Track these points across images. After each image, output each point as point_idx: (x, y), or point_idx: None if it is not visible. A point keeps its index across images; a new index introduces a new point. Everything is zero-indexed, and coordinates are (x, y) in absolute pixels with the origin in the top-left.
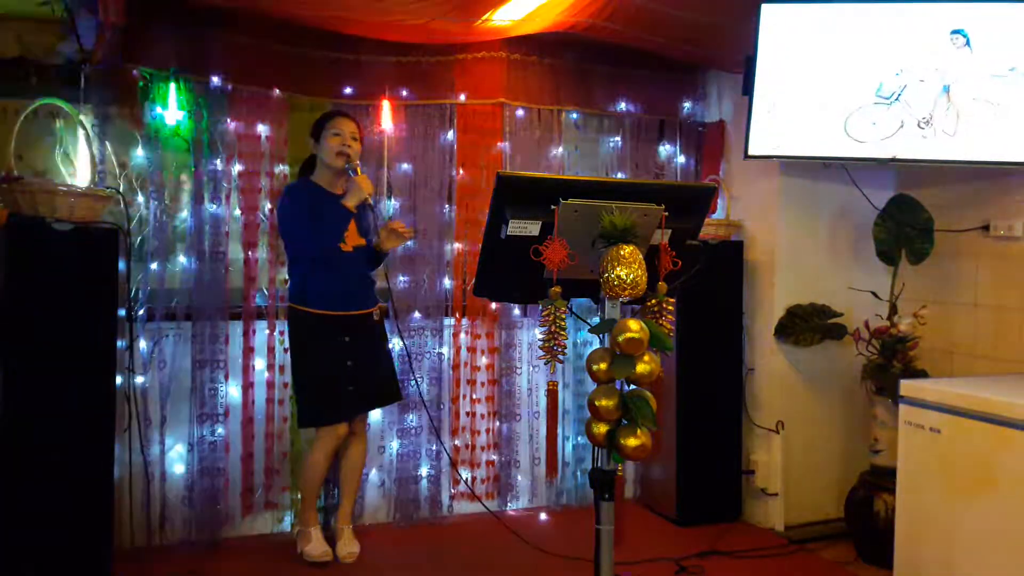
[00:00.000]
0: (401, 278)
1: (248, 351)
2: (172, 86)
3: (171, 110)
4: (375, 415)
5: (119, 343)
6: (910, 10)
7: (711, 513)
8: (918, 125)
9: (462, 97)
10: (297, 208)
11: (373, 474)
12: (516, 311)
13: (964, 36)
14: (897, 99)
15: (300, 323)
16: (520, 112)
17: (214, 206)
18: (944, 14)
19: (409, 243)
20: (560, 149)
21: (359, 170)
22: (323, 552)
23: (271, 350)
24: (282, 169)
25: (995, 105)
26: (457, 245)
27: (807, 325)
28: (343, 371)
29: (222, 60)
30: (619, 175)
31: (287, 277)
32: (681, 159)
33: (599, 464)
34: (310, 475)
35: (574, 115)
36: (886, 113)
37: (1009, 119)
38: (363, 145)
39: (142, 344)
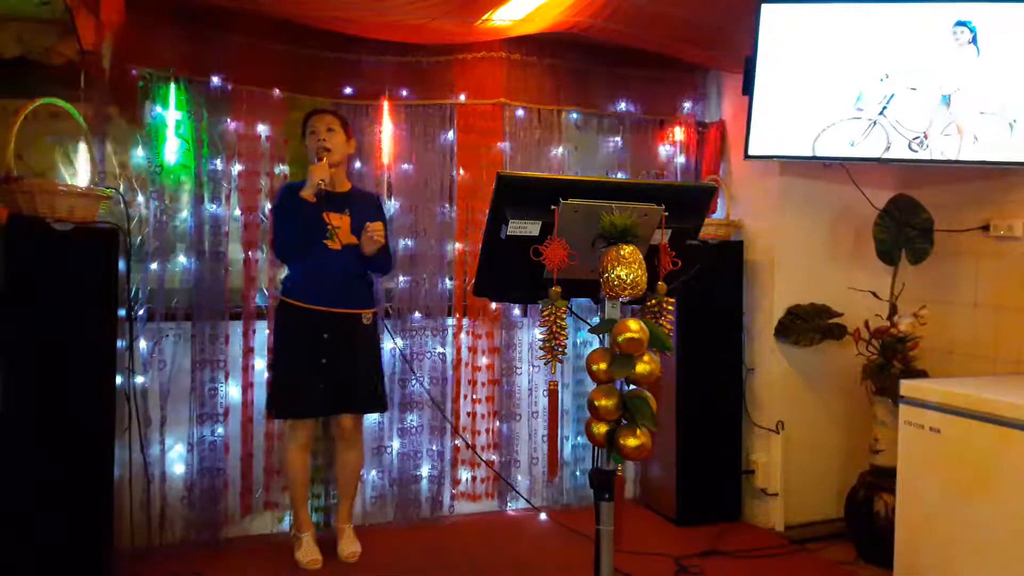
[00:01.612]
0: (401, 278)
1: (248, 351)
2: (172, 86)
3: (171, 110)
4: (375, 415)
5: (119, 343)
6: (908, 7)
7: (711, 513)
8: (909, 147)
9: (462, 97)
10: (274, 208)
11: (373, 474)
12: (516, 311)
13: (970, 30)
14: (882, 113)
15: (282, 313)
16: (520, 112)
17: (214, 206)
18: (947, 9)
19: (409, 243)
20: (560, 149)
21: (324, 160)
22: (311, 560)
23: (271, 350)
24: (282, 169)
25: (1010, 121)
26: (457, 245)
27: (807, 325)
28: (315, 368)
29: (222, 60)
30: (619, 175)
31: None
32: (681, 159)
33: (599, 464)
34: (289, 473)
35: (574, 115)
36: (867, 131)
37: None
38: (356, 140)
39: (142, 344)
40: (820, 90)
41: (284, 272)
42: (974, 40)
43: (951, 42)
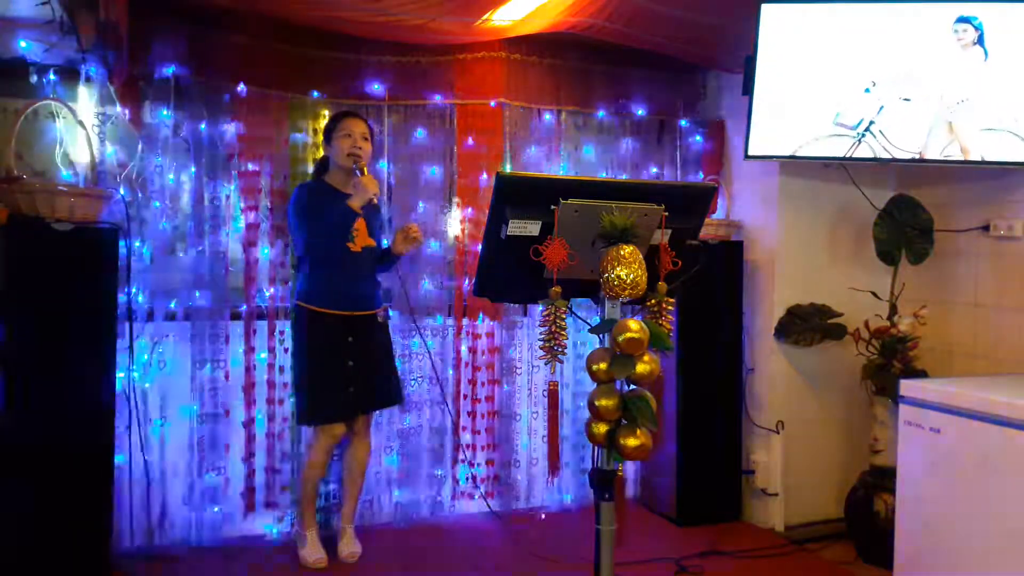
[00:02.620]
0: None
1: (248, 351)
2: (172, 86)
3: (171, 110)
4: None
5: (119, 343)
6: (909, 6)
7: (711, 513)
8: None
9: (462, 97)
10: (303, 207)
11: (373, 474)
12: (516, 311)
13: (976, 27)
14: (868, 129)
15: (304, 320)
16: (520, 112)
17: (214, 206)
18: (951, 9)
19: None
20: (560, 149)
21: (365, 170)
22: (317, 559)
23: (271, 350)
24: (282, 169)
25: None
26: (457, 245)
27: (807, 325)
28: (343, 371)
29: (222, 60)
30: (619, 175)
31: (287, 277)
32: (681, 159)
33: (599, 464)
34: (308, 474)
35: (574, 115)
36: (851, 149)
37: None
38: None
39: (142, 344)
40: (812, 96)
41: (299, 278)
42: (980, 40)
43: (952, 43)
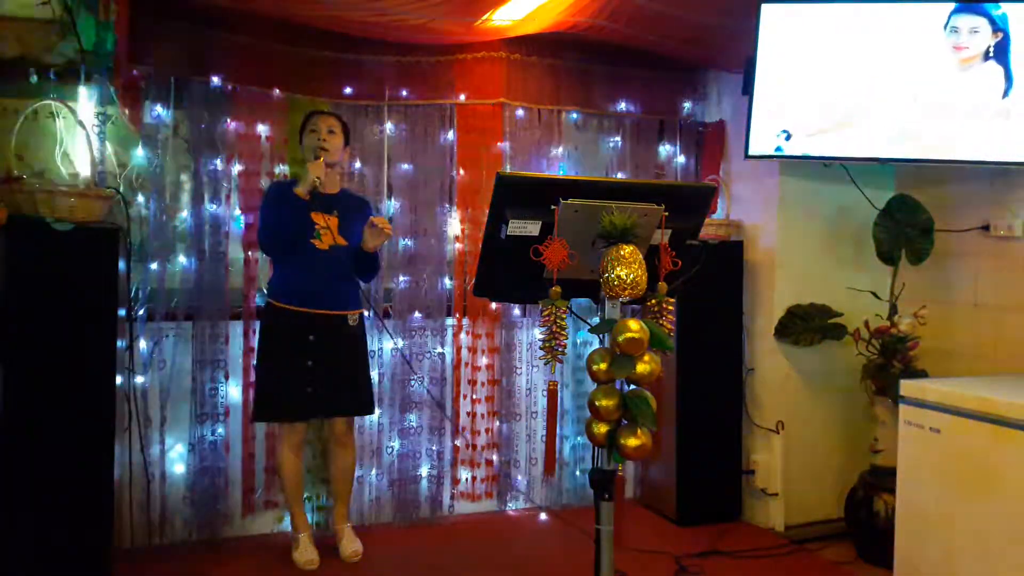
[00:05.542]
0: (401, 278)
1: (248, 351)
2: (172, 86)
3: (171, 110)
4: (374, 415)
5: (119, 343)
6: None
7: (711, 513)
8: None
9: (462, 97)
10: (263, 205)
11: (373, 474)
12: (516, 311)
13: (995, 25)
14: None
15: (267, 316)
16: (520, 112)
17: (214, 206)
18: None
19: (409, 243)
20: (560, 149)
21: (320, 155)
22: (308, 560)
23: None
24: (282, 169)
25: None
26: (457, 245)
27: (807, 325)
28: (302, 370)
29: (222, 60)
30: (619, 175)
31: None
32: (681, 159)
33: (599, 464)
34: (283, 475)
35: (574, 115)
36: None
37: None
38: (356, 141)
39: (142, 344)
40: (811, 95)
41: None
42: (1001, 53)
43: (947, 52)
